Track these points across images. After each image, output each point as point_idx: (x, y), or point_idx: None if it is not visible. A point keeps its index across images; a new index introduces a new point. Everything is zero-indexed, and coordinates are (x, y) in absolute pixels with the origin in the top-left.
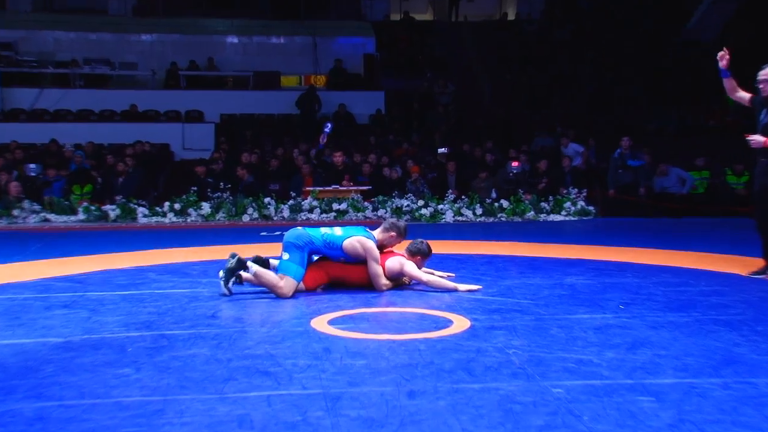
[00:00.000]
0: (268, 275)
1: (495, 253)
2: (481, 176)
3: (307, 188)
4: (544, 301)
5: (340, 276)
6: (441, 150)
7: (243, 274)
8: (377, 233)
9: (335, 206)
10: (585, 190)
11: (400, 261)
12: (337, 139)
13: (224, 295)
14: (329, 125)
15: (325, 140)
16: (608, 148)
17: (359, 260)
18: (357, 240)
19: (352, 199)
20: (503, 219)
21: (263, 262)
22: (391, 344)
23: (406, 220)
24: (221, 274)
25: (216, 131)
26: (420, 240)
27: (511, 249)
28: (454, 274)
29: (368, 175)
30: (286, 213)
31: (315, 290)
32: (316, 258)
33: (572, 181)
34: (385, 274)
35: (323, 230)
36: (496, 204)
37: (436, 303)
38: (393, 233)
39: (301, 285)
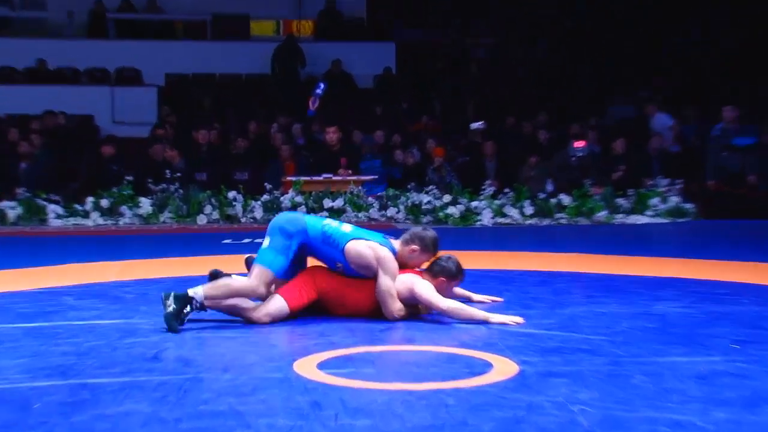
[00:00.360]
0: (227, 286)
1: (552, 269)
2: (532, 161)
3: (289, 178)
4: (622, 337)
5: (333, 294)
6: (475, 125)
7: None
8: (397, 245)
9: (327, 203)
10: (680, 180)
11: (411, 280)
12: (329, 110)
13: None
14: (321, 86)
15: (316, 105)
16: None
17: (362, 275)
18: (368, 245)
19: (351, 193)
20: (563, 221)
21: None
22: (406, 397)
23: (427, 222)
24: (168, 310)
25: (159, 98)
26: (447, 256)
27: (574, 263)
28: (501, 299)
29: (374, 159)
30: (258, 213)
31: (297, 311)
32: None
33: (661, 168)
34: (405, 312)
35: (326, 221)
36: (553, 200)
37: (469, 339)
38: (415, 247)
39: (284, 307)
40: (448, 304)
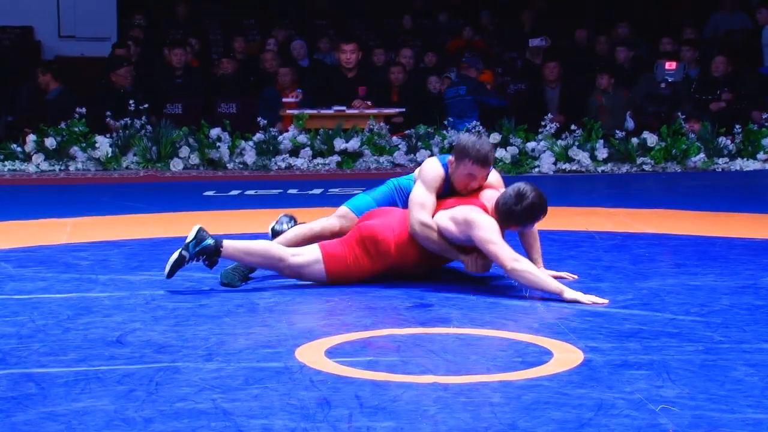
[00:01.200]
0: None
1: (632, 230)
2: (607, 87)
3: (289, 110)
4: (720, 317)
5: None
6: (534, 41)
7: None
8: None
9: (339, 144)
10: None
11: (471, 216)
12: (339, 21)
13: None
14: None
15: None
16: None
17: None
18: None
19: (371, 131)
20: (648, 168)
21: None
22: (440, 392)
23: None
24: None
25: (120, 5)
26: (525, 184)
27: (661, 223)
28: (575, 277)
29: (401, 87)
30: (249, 156)
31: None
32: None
33: None
34: (436, 236)
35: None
36: (635, 140)
37: (525, 319)
38: (460, 159)
39: (321, 271)
40: (517, 265)
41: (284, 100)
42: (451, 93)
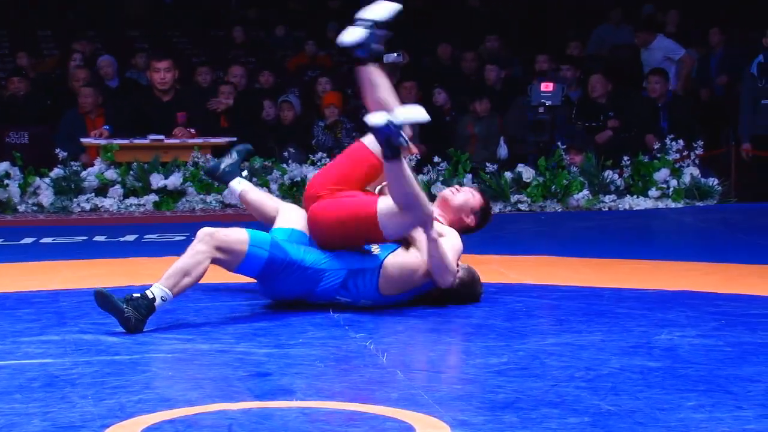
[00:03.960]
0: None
1: (506, 281)
2: (478, 110)
3: (94, 140)
4: (610, 382)
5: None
6: (389, 57)
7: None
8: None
9: (157, 181)
10: (698, 141)
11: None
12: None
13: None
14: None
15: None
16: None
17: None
18: None
19: (196, 164)
20: (523, 207)
21: None
22: None
23: None
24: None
25: None
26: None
27: (539, 272)
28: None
29: (228, 112)
30: (45, 197)
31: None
32: None
33: (671, 124)
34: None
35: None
36: (509, 174)
37: (382, 389)
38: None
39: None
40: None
41: (85, 140)
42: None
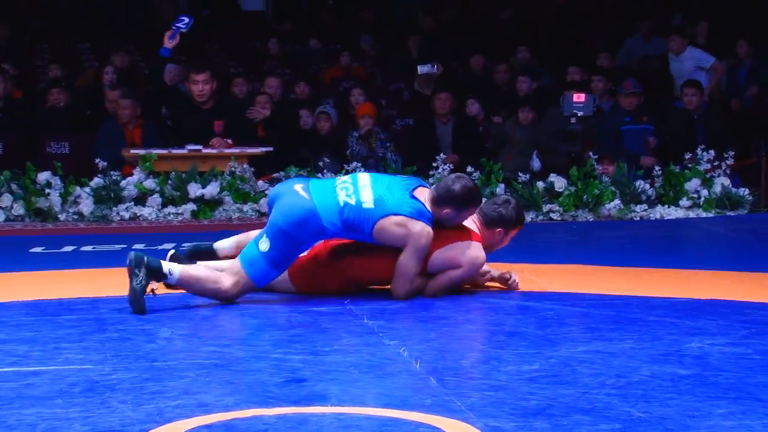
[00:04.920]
0: (199, 282)
1: (538, 289)
2: (521, 118)
3: (133, 151)
4: (641, 389)
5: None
6: (423, 68)
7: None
8: (428, 202)
9: (194, 190)
10: (729, 152)
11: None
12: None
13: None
14: (185, 19)
15: (174, 42)
16: None
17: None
18: (398, 222)
19: (233, 173)
20: (555, 216)
21: (206, 254)
22: None
23: None
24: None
25: None
26: (504, 198)
27: (571, 280)
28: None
29: (267, 122)
30: (85, 206)
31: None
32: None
33: (705, 135)
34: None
35: (342, 197)
36: (541, 184)
37: (415, 395)
38: (448, 210)
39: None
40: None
41: (130, 153)
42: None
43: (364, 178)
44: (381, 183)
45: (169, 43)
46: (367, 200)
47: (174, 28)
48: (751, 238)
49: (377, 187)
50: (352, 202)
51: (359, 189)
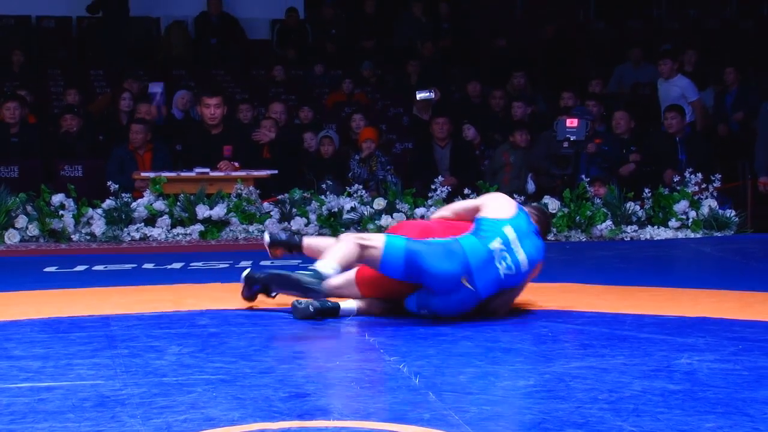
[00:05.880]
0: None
1: (531, 307)
2: (517, 141)
3: (143, 174)
4: (632, 404)
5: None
6: (422, 93)
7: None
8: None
9: (202, 211)
10: (716, 175)
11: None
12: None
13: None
14: (158, 89)
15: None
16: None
17: None
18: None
19: (239, 195)
20: (549, 237)
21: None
22: None
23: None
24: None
25: None
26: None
27: (563, 298)
28: None
29: (272, 146)
30: (98, 226)
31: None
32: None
33: (689, 158)
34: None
35: (502, 267)
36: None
37: (414, 409)
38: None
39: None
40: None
41: (138, 175)
42: None
43: (510, 233)
44: (523, 233)
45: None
46: (523, 262)
47: (150, 95)
48: (737, 258)
49: (525, 243)
50: (513, 272)
51: (514, 252)
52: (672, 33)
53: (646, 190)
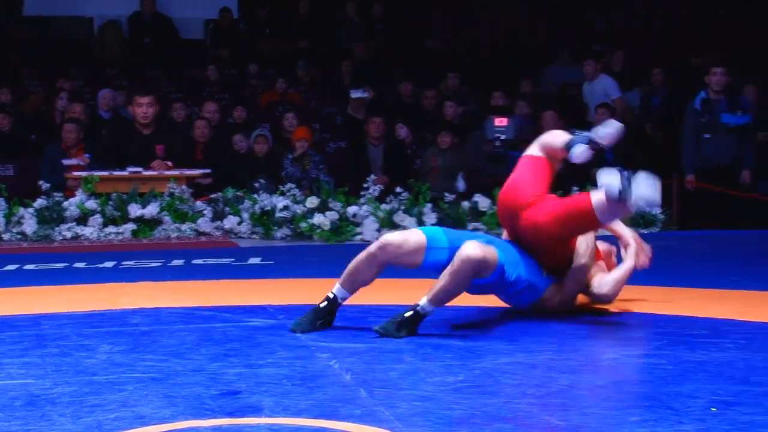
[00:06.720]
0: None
1: (463, 304)
2: (440, 144)
3: (75, 173)
4: (559, 398)
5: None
6: (356, 92)
7: None
8: None
9: (135, 210)
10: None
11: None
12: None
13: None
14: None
15: None
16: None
17: None
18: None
19: (172, 194)
20: (481, 233)
21: None
22: None
23: (283, 237)
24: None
25: None
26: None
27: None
28: None
29: (205, 145)
30: (29, 225)
31: None
32: None
33: (615, 156)
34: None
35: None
36: (466, 203)
37: (345, 406)
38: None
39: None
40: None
41: (66, 162)
42: None
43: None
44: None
45: None
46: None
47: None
48: (662, 255)
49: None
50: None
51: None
52: (601, 34)
53: (575, 189)
